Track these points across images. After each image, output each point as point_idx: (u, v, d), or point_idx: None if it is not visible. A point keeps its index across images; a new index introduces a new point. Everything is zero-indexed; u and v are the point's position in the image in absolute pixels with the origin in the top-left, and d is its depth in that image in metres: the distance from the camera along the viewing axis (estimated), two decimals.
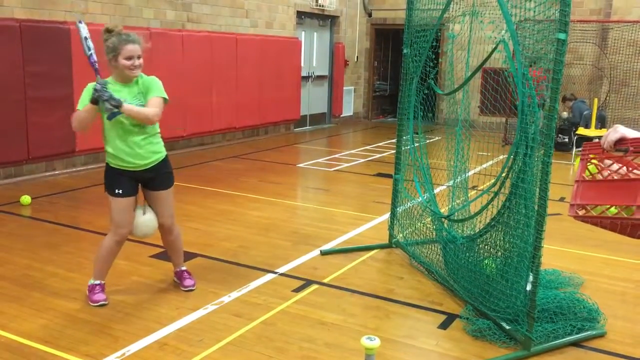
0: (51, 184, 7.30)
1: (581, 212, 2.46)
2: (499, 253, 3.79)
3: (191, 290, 4.14)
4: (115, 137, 3.74)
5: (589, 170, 2.49)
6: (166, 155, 3.95)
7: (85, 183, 7.36)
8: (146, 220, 3.90)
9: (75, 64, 7.60)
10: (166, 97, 3.82)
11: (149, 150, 3.82)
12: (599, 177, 2.46)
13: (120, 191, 3.78)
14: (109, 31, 3.67)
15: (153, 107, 3.72)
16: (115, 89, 3.64)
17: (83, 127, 3.71)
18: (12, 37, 6.97)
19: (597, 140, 2.57)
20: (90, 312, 3.78)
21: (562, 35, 3.08)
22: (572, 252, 5.26)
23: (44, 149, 7.50)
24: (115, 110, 3.56)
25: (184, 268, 4.23)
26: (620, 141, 2.34)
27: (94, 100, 3.56)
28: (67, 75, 7.59)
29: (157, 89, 3.79)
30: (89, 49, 3.67)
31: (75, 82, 7.67)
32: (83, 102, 3.66)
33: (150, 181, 3.92)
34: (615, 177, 2.37)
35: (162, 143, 3.94)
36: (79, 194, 6.89)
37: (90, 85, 3.68)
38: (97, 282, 3.92)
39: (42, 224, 5.64)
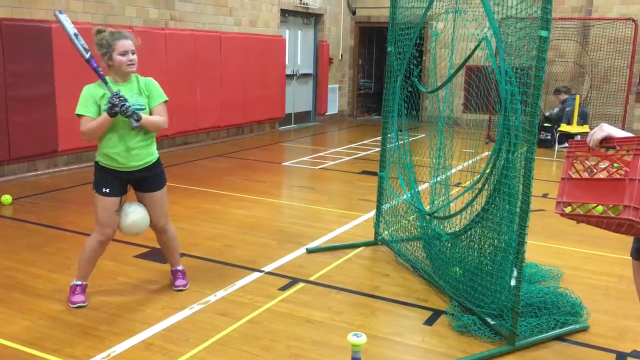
0: (33, 184, 7.22)
1: (567, 210, 2.47)
2: (483, 249, 3.82)
3: (181, 290, 4.12)
4: (114, 137, 3.69)
5: (574, 168, 2.50)
6: (158, 158, 3.95)
7: (68, 183, 7.29)
8: (135, 221, 3.82)
9: (56, 63, 7.51)
10: (167, 98, 3.88)
11: (145, 152, 3.81)
12: (585, 175, 2.47)
13: (108, 190, 3.74)
14: (100, 31, 3.63)
15: (160, 115, 3.80)
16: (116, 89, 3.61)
17: (96, 138, 3.71)
18: None
19: (581, 137, 2.59)
20: (75, 313, 3.74)
21: (544, 33, 3.11)
22: (555, 247, 5.32)
23: (25, 149, 7.41)
24: (137, 124, 3.59)
25: (179, 268, 4.21)
26: (606, 140, 2.35)
27: (113, 114, 3.53)
28: (48, 74, 7.49)
29: (159, 94, 3.83)
30: (86, 51, 3.60)
31: (57, 80, 7.59)
32: (87, 110, 3.59)
33: (142, 182, 3.87)
34: (602, 176, 2.38)
35: (156, 146, 3.95)
36: (62, 194, 6.82)
37: (90, 90, 3.62)
38: (79, 282, 3.88)
39: (24, 224, 5.57)
